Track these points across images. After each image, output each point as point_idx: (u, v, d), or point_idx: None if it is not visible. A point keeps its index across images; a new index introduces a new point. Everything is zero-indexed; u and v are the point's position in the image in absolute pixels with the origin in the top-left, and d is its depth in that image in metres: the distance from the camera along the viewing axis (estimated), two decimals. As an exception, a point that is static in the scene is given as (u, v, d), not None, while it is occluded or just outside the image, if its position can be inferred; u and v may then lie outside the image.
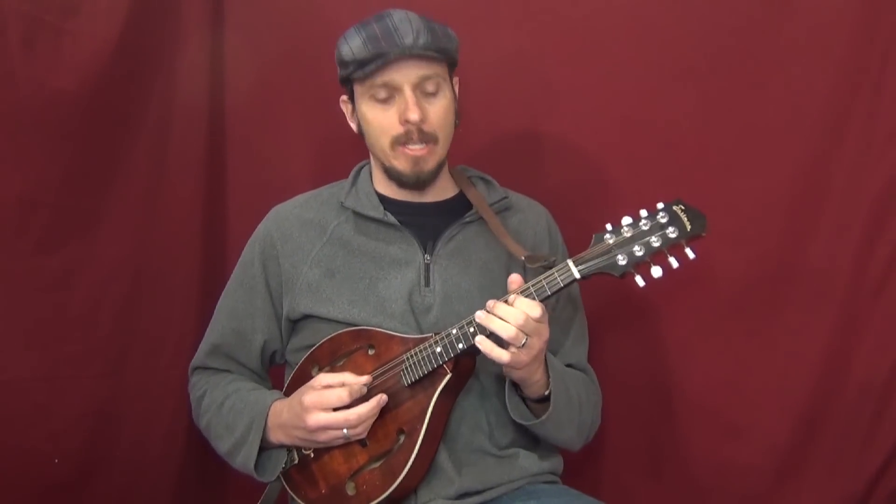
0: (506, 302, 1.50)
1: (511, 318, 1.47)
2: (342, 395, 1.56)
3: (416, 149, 1.66)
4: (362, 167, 1.84)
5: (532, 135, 2.07)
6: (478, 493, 1.65)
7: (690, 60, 1.94)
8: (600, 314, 1.96)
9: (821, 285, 1.91)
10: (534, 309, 1.48)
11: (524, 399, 1.66)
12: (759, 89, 1.91)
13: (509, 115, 2.08)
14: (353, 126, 1.76)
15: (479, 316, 1.49)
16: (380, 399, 1.58)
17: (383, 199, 1.76)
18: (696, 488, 2.01)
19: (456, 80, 1.75)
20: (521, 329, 1.47)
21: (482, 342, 1.49)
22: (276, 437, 1.67)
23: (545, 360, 1.60)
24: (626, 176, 1.99)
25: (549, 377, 1.61)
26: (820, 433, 1.92)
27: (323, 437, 1.60)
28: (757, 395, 1.96)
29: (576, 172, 2.04)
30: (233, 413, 1.72)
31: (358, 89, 1.69)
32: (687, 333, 2.00)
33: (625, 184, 1.99)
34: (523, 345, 1.48)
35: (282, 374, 1.82)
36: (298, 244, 1.76)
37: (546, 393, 1.61)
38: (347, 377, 1.60)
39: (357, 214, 1.75)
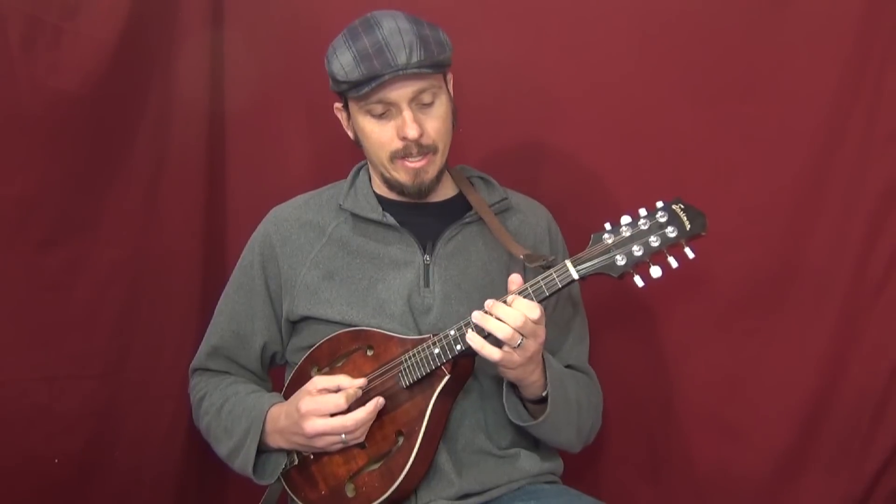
0: (504, 303, 1.49)
1: (509, 319, 1.46)
2: (339, 402, 1.56)
3: (415, 161, 1.66)
4: (361, 167, 1.83)
5: (532, 136, 2.07)
6: (478, 493, 1.64)
7: (690, 61, 1.94)
8: (601, 315, 1.96)
9: (821, 285, 1.90)
10: (533, 310, 1.47)
11: (522, 400, 1.66)
12: (759, 90, 1.91)
13: (509, 117, 2.07)
14: (350, 134, 1.75)
15: (476, 316, 1.49)
16: (377, 403, 1.58)
17: (382, 200, 1.76)
18: (695, 489, 2.01)
19: (450, 77, 1.73)
20: (520, 330, 1.46)
21: (473, 339, 1.49)
22: (274, 441, 1.67)
23: (543, 361, 1.59)
24: (626, 177, 1.98)
25: (546, 378, 1.60)
26: (819, 434, 1.92)
27: (321, 442, 1.60)
28: (757, 395, 1.96)
29: (575, 174, 2.04)
30: (231, 417, 1.72)
31: (353, 104, 1.67)
32: (687, 334, 2.00)
33: (624, 185, 1.98)
34: (518, 345, 1.47)
35: (283, 374, 1.82)
36: (297, 246, 1.76)
37: (543, 394, 1.61)
38: (343, 380, 1.59)
39: (356, 216, 1.75)
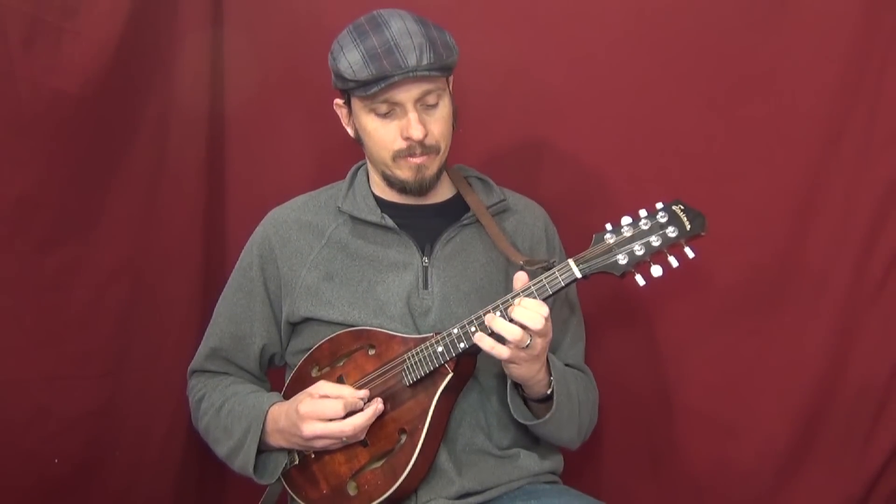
0: (511, 303, 1.49)
1: (528, 322, 1.46)
2: (337, 408, 1.56)
3: (417, 158, 1.65)
4: (359, 168, 1.83)
5: (531, 137, 2.07)
6: (478, 493, 1.65)
7: (689, 62, 1.94)
8: (600, 315, 1.96)
9: (821, 286, 1.91)
10: (542, 308, 1.48)
11: (525, 399, 1.66)
12: (759, 90, 1.91)
13: (508, 118, 2.07)
14: (350, 131, 1.74)
15: (488, 318, 1.49)
16: (376, 408, 1.58)
17: (381, 202, 1.75)
18: (695, 488, 2.01)
19: (450, 77, 1.73)
20: (538, 333, 1.47)
21: (481, 339, 1.49)
22: (274, 441, 1.67)
23: (547, 359, 1.60)
24: (625, 178, 1.99)
25: (550, 377, 1.61)
26: (819, 434, 1.92)
27: (319, 444, 1.60)
28: (756, 395, 1.96)
29: (575, 175, 2.04)
30: (231, 417, 1.72)
31: (356, 102, 1.66)
32: (687, 334, 2.00)
33: (624, 185, 1.99)
34: (527, 346, 1.48)
35: (282, 376, 1.82)
36: (297, 247, 1.76)
37: (548, 392, 1.61)
38: (346, 391, 1.60)
39: (354, 218, 1.75)
